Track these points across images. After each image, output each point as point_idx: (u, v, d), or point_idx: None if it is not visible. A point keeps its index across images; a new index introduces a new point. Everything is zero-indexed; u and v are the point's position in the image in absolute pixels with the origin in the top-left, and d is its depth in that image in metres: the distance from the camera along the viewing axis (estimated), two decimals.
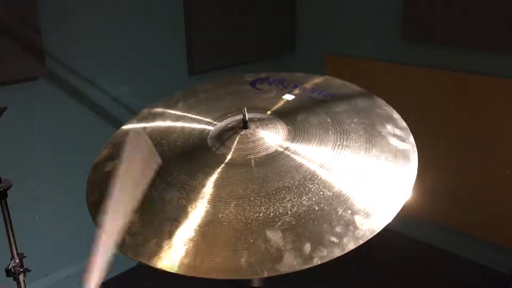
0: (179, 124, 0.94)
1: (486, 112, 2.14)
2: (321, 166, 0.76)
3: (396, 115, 0.89)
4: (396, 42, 2.41)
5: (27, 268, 1.30)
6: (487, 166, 2.18)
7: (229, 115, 0.92)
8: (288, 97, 0.97)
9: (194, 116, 0.96)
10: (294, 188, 0.73)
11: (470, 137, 2.20)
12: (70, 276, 2.12)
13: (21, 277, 1.29)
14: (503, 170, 2.12)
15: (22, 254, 1.30)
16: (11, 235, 1.28)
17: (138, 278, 2.23)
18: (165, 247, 0.68)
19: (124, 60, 2.15)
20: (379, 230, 0.67)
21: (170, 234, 0.69)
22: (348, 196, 0.71)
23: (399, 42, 2.39)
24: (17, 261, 1.28)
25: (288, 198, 0.71)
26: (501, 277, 2.20)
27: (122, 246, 0.70)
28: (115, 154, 0.90)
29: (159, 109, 1.02)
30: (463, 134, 2.22)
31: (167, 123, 0.96)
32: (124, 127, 0.99)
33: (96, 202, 0.80)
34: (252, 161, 0.79)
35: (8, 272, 1.28)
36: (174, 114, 0.99)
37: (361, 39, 2.57)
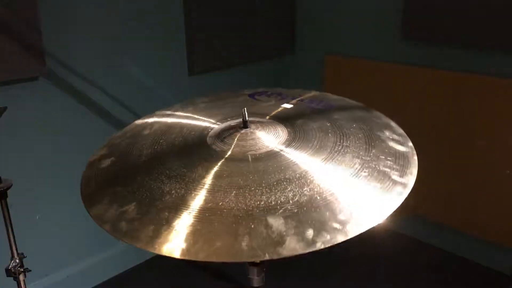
0: (178, 126, 0.95)
1: (486, 112, 2.14)
2: (322, 161, 0.77)
3: (393, 124, 0.92)
4: (396, 42, 2.41)
5: (27, 268, 1.30)
6: (487, 166, 2.18)
7: (229, 119, 0.93)
8: (287, 105, 1.00)
9: (194, 116, 0.96)
10: (295, 180, 0.73)
11: (470, 137, 2.20)
12: (70, 276, 2.12)
13: (21, 277, 1.28)
14: (503, 170, 2.12)
15: (22, 254, 1.30)
16: (11, 235, 1.27)
17: (138, 278, 2.23)
18: (164, 233, 0.67)
19: (124, 60, 2.15)
20: (383, 219, 0.68)
21: (168, 220, 0.69)
22: (351, 186, 0.72)
23: (399, 42, 2.39)
24: (17, 261, 1.28)
25: (289, 189, 0.71)
26: (501, 277, 2.20)
27: (118, 232, 0.69)
28: (110, 153, 0.90)
29: (155, 119, 1.03)
30: (463, 134, 2.22)
31: (167, 125, 0.96)
32: (116, 134, 0.99)
33: (90, 194, 0.80)
34: (252, 156, 0.79)
35: (8, 272, 1.27)
36: (172, 120, 0.99)
37: (361, 39, 2.57)
